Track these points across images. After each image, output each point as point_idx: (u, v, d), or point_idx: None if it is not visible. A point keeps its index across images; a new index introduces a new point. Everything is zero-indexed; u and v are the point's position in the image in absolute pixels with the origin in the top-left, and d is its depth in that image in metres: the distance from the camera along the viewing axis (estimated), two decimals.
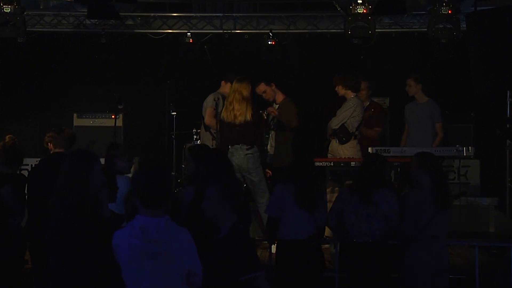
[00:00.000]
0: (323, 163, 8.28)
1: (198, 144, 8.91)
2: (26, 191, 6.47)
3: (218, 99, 9.26)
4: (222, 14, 11.50)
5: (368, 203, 6.01)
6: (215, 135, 9.18)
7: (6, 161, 6.34)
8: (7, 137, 6.64)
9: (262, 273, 4.35)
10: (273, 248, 6.64)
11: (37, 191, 6.28)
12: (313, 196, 6.11)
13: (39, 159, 10.89)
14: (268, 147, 9.39)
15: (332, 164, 8.27)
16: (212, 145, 9.09)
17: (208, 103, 9.36)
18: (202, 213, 4.51)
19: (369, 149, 8.17)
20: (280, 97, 9.32)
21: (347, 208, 6.08)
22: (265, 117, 9.22)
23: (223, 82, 9.42)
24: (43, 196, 5.78)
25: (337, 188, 8.19)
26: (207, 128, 9.45)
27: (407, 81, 9.54)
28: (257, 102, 9.20)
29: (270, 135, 9.40)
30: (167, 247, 3.93)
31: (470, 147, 8.19)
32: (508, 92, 10.42)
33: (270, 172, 9.12)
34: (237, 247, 4.34)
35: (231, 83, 9.11)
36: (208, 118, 9.32)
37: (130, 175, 6.36)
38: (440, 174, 6.16)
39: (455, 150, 8.16)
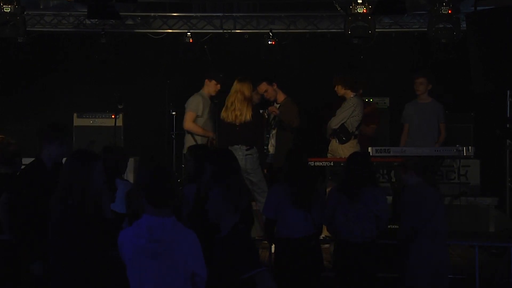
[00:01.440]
0: (323, 163, 8.28)
1: (197, 144, 8.88)
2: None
3: (205, 101, 9.17)
4: (222, 14, 11.49)
5: (357, 202, 6.01)
6: (195, 138, 9.10)
7: (4, 161, 6.29)
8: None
9: (264, 269, 4.37)
10: (273, 248, 6.64)
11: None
12: (308, 196, 6.10)
13: None
14: (269, 146, 9.38)
15: (332, 164, 8.27)
16: None
17: (189, 105, 9.21)
18: (205, 214, 4.52)
19: (369, 149, 8.17)
20: (281, 97, 9.33)
21: (337, 208, 6.07)
22: (266, 117, 9.23)
23: (206, 81, 9.32)
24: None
25: None
26: (189, 131, 9.25)
27: (420, 79, 9.41)
28: (259, 102, 9.22)
29: (271, 134, 9.39)
30: (172, 247, 3.93)
31: (470, 147, 8.18)
32: (508, 92, 10.42)
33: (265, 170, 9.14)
34: (238, 247, 4.34)
35: (216, 80, 9.11)
36: (188, 123, 9.14)
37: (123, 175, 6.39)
38: (431, 174, 6.21)
39: (455, 150, 8.15)
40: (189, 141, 9.22)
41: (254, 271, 4.28)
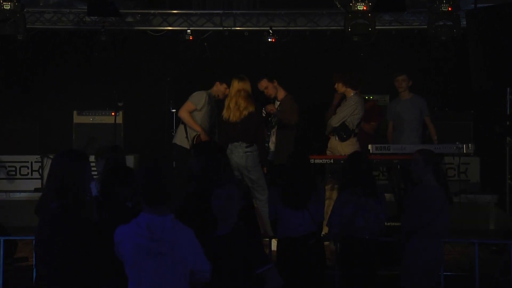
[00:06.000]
0: (323, 160, 8.27)
1: (201, 142, 8.83)
2: None
3: (208, 99, 9.18)
4: (222, 11, 11.50)
5: (376, 197, 6.02)
6: (188, 131, 9.10)
7: None
8: None
9: (273, 265, 4.43)
10: (273, 246, 6.65)
11: None
12: (306, 195, 6.09)
13: (38, 156, 11.01)
14: (270, 144, 9.37)
15: (332, 161, 8.27)
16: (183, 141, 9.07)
17: (192, 97, 9.20)
18: (206, 209, 4.55)
19: (369, 146, 8.17)
20: (281, 94, 9.32)
21: (357, 214, 6.03)
22: (264, 115, 9.21)
23: (217, 83, 9.29)
24: None
25: (337, 186, 8.19)
26: (181, 119, 9.28)
27: (402, 77, 9.52)
28: (260, 101, 9.21)
29: (272, 132, 9.38)
30: (172, 246, 3.93)
31: (470, 145, 8.18)
32: (508, 89, 10.42)
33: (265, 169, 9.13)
34: (244, 244, 4.39)
35: (227, 85, 9.11)
36: (182, 112, 9.13)
37: None
38: (442, 171, 6.18)
39: (455, 148, 8.15)
40: (180, 133, 9.23)
41: (266, 267, 4.35)
